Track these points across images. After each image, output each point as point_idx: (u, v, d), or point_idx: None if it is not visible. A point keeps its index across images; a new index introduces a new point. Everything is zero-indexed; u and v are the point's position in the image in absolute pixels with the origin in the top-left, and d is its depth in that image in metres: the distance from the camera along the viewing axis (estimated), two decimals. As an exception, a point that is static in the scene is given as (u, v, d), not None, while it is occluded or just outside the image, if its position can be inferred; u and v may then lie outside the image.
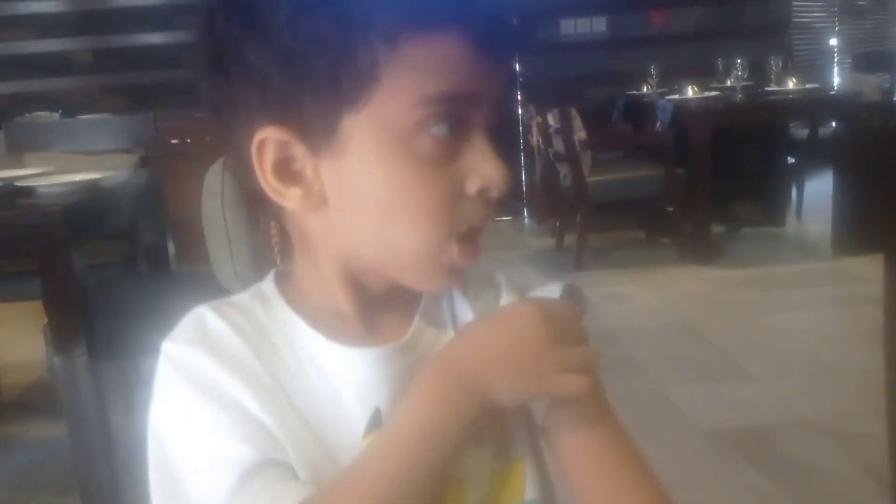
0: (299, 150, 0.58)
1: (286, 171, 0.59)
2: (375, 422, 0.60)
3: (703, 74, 4.70)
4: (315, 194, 0.59)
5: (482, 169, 0.58)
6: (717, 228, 4.47)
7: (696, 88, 4.43)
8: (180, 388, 0.59)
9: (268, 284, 0.66)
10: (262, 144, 0.58)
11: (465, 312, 0.68)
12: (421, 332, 0.65)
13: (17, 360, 3.11)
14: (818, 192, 4.71)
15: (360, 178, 0.58)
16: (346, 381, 0.61)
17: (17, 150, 3.06)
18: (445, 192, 0.58)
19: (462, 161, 0.58)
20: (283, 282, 0.66)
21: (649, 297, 3.73)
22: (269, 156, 0.58)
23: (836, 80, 6.51)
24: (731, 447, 2.31)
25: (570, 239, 4.42)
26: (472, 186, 0.58)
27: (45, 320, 2.19)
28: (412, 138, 0.56)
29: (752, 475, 2.15)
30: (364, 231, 0.60)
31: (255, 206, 0.65)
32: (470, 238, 0.60)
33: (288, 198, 0.59)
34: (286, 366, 0.61)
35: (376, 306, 0.65)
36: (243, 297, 0.65)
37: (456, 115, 0.57)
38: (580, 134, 4.10)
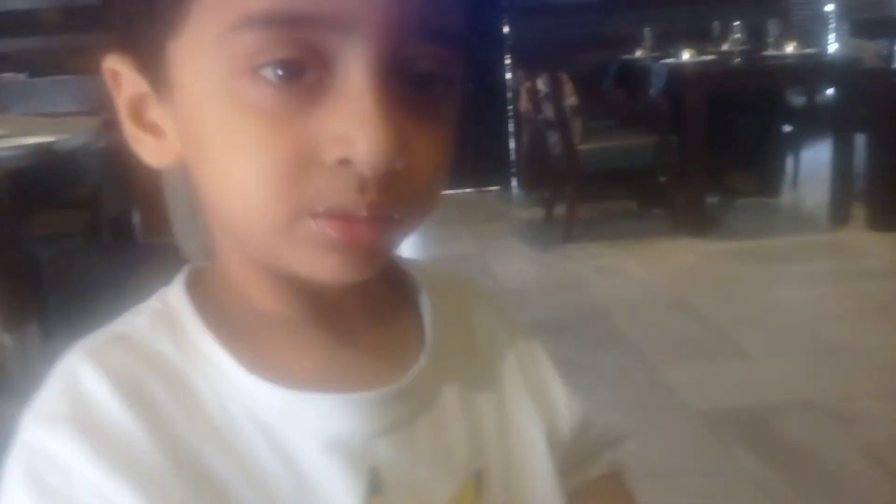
0: (143, 86, 0.46)
1: (141, 113, 0.47)
2: (375, 487, 0.45)
3: (699, 38, 4.60)
4: (166, 143, 0.46)
5: (345, 131, 0.39)
6: (712, 199, 4.39)
7: (691, 52, 4.34)
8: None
9: (175, 294, 0.48)
10: (113, 77, 0.46)
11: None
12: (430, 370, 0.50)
13: (-23, 335, 2.97)
14: (815, 161, 4.65)
15: (190, 126, 0.43)
16: (311, 444, 0.44)
17: (-26, 112, 2.91)
18: (283, 157, 0.39)
19: (318, 116, 0.40)
20: (200, 285, 0.49)
21: (641, 271, 3.63)
22: (124, 92, 0.47)
23: (834, 47, 6.43)
24: (726, 429, 2.23)
25: (559, 210, 4.33)
26: (329, 154, 0.39)
27: (-4, 295, 2.06)
28: (238, 78, 0.40)
29: (749, 459, 2.08)
30: (211, 196, 0.44)
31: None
32: (344, 216, 0.41)
33: (140, 146, 0.47)
34: (217, 436, 0.43)
35: (331, 312, 0.48)
36: (139, 324, 0.47)
37: (299, 48, 0.39)
38: (571, 100, 4.00)
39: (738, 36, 4.36)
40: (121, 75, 0.46)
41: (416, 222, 0.44)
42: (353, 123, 0.39)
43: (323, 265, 0.42)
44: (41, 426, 0.42)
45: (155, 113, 0.46)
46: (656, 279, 3.53)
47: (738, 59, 4.29)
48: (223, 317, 0.47)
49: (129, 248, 2.75)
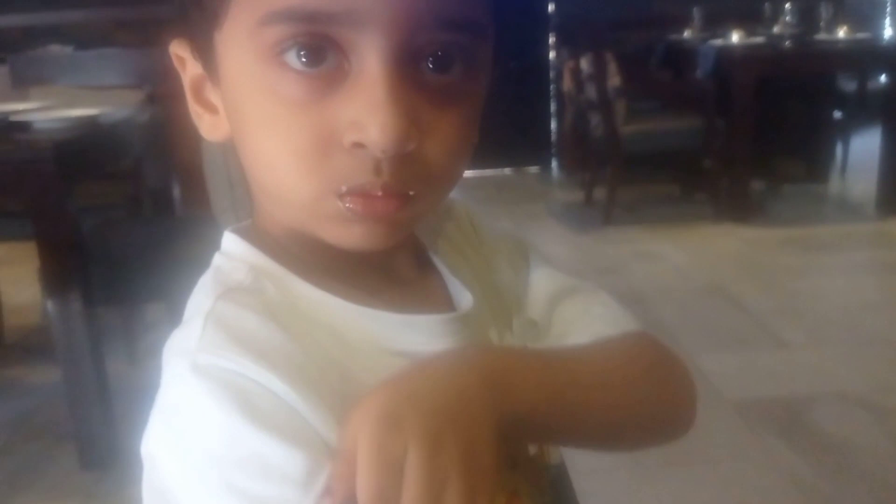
0: (200, 69, 0.51)
1: (200, 92, 0.52)
2: None
3: (749, 19, 4.48)
4: (219, 120, 0.51)
5: (358, 118, 0.43)
6: (757, 185, 4.31)
7: (740, 34, 4.23)
8: (231, 415, 0.42)
9: (252, 253, 0.51)
10: (179, 59, 0.52)
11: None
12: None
13: (22, 301, 3.06)
14: (864, 149, 4.54)
15: (233, 109, 0.48)
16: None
17: (23, 84, 2.97)
18: (308, 141, 0.44)
19: (339, 102, 0.43)
20: (256, 243, 0.52)
21: (681, 257, 3.58)
22: (187, 73, 0.52)
23: (889, 32, 6.24)
24: (760, 418, 2.21)
25: (599, 192, 4.28)
26: (346, 138, 0.43)
27: (42, 262, 2.10)
28: (267, 67, 0.44)
29: (782, 448, 2.05)
30: (252, 171, 0.49)
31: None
32: (363, 194, 0.45)
33: (200, 122, 0.52)
34: (350, 358, 0.47)
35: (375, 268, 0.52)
36: (241, 279, 0.49)
37: (319, 40, 0.43)
38: (615, 80, 3.94)
39: (789, 18, 4.26)
40: (184, 58, 0.51)
41: (435, 197, 0.48)
42: (366, 110, 0.42)
43: (349, 236, 0.47)
44: (216, 356, 0.44)
45: (210, 93, 0.51)
46: (696, 265, 3.48)
47: (788, 43, 4.18)
48: (301, 271, 0.50)
49: (169, 219, 2.80)
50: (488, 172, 4.99)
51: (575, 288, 0.62)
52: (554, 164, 5.38)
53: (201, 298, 0.49)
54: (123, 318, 2.66)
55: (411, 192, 0.45)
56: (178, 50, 0.51)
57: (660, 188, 4.63)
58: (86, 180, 2.37)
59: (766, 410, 2.24)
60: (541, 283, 0.62)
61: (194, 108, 0.52)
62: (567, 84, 4.47)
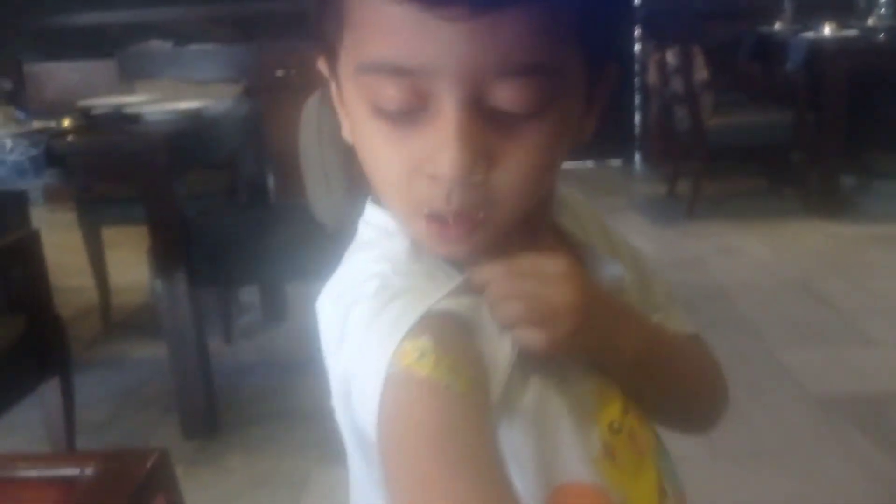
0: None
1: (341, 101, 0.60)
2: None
3: (842, 11, 4.37)
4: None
5: (433, 153, 0.50)
6: (847, 180, 4.21)
7: (833, 26, 4.11)
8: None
9: (391, 222, 0.59)
10: (325, 71, 0.60)
11: None
12: None
13: (130, 282, 3.25)
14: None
15: (351, 130, 0.57)
16: None
17: (129, 79, 3.15)
18: (398, 168, 0.52)
19: (420, 140, 0.51)
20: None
21: (766, 252, 3.53)
22: (334, 83, 0.59)
23: None
24: (843, 415, 2.19)
25: (683, 186, 4.24)
26: (425, 170, 0.51)
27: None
28: (366, 106, 0.52)
29: (864, 445, 2.04)
30: (367, 173, 0.57)
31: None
32: (439, 219, 0.53)
33: (344, 125, 0.59)
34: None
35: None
36: (398, 252, 0.57)
37: (404, 90, 0.50)
38: (701, 73, 3.90)
39: (883, 11, 4.12)
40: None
41: (507, 217, 0.54)
42: (438, 147, 0.50)
43: (437, 249, 0.55)
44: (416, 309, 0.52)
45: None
46: (781, 261, 3.43)
47: (882, 35, 4.05)
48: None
49: (264, 207, 2.94)
50: (570, 165, 5.00)
51: (672, 306, 0.71)
52: (637, 157, 5.34)
53: (368, 265, 0.57)
54: (220, 300, 2.81)
55: (480, 215, 0.52)
56: (320, 65, 0.59)
57: (746, 182, 4.56)
58: (190, 170, 2.52)
59: (849, 406, 2.22)
60: (660, 290, 0.71)
61: (340, 113, 0.59)
62: (652, 77, 4.43)
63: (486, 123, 0.50)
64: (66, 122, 2.24)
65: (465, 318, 0.53)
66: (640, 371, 0.60)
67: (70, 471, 0.71)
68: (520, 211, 0.54)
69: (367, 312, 0.53)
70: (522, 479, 0.51)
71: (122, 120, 2.33)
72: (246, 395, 2.49)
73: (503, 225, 0.54)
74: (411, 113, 0.50)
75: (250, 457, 2.16)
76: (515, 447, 0.53)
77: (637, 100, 5.12)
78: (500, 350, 0.53)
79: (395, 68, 0.49)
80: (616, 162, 5.30)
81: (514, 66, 0.49)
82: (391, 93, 0.50)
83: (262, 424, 2.31)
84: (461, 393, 0.48)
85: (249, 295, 3.04)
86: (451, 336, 0.51)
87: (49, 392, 1.95)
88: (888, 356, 2.51)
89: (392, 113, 0.51)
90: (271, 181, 2.96)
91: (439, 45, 0.47)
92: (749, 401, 2.18)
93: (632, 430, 0.59)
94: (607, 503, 0.54)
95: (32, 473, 0.73)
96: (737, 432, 2.09)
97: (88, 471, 0.70)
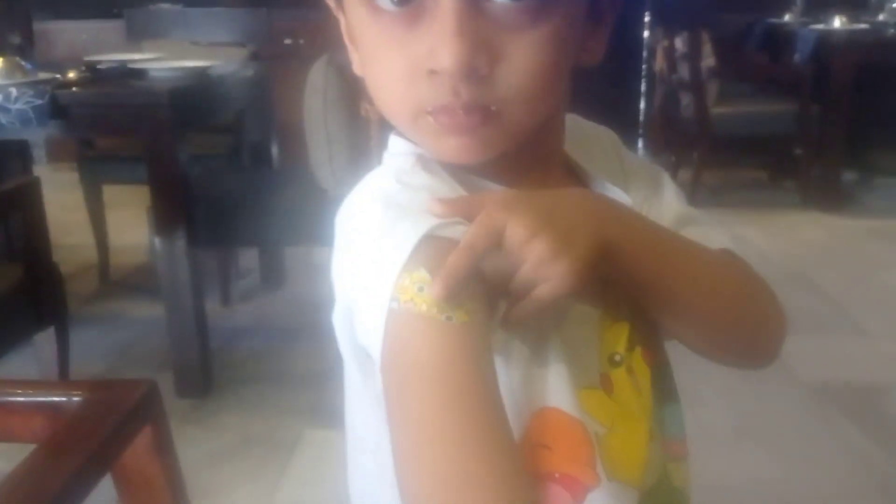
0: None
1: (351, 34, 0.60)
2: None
3: (854, 5, 4.36)
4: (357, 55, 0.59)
5: (433, 47, 0.50)
6: (848, 175, 4.20)
7: (843, 19, 4.11)
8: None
9: (414, 148, 0.58)
10: (334, 8, 0.60)
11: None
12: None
13: (129, 242, 3.25)
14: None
15: (356, 48, 0.57)
16: None
17: (136, 38, 3.13)
18: (400, 69, 0.52)
19: (419, 36, 0.51)
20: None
21: (764, 242, 3.54)
22: (341, 19, 0.59)
23: None
24: (834, 403, 2.21)
25: (684, 174, 4.23)
26: (426, 66, 0.51)
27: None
28: (366, 10, 0.53)
29: (854, 434, 2.06)
30: (374, 98, 0.57)
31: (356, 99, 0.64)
32: (447, 110, 0.52)
33: (353, 59, 0.59)
34: None
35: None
36: (409, 168, 0.57)
37: None
38: (709, 61, 3.88)
39: (895, 5, 4.10)
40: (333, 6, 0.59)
41: (524, 114, 0.53)
42: (438, 41, 0.49)
43: (445, 148, 0.54)
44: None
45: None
46: (778, 251, 3.43)
47: (892, 30, 4.05)
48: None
49: (266, 170, 2.93)
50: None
51: (698, 220, 0.68)
52: (639, 143, 5.33)
53: (377, 181, 0.57)
54: (219, 263, 2.81)
55: (493, 108, 0.51)
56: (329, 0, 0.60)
57: (747, 173, 4.55)
58: (194, 129, 2.51)
59: (839, 394, 2.23)
60: (672, 204, 0.68)
61: (349, 48, 0.60)
62: (659, 63, 4.42)
63: (485, 18, 0.50)
64: (72, 74, 2.23)
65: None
66: (664, 288, 0.58)
67: (57, 397, 0.71)
68: (529, 115, 0.53)
69: (368, 239, 0.52)
70: (510, 398, 0.51)
71: (127, 75, 2.32)
72: (241, 356, 2.51)
73: (514, 127, 0.53)
74: (411, 9, 0.50)
75: (243, 417, 2.18)
76: (508, 369, 0.53)
77: (643, 87, 5.10)
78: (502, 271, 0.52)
79: None
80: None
81: None
82: None
83: (255, 386, 2.32)
84: (462, 323, 0.48)
85: (249, 260, 3.04)
86: None
87: (44, 343, 1.95)
88: (881, 347, 2.52)
89: (392, 11, 0.51)
90: (274, 145, 2.95)
91: None
92: (740, 384, 2.19)
93: (632, 366, 0.59)
94: (581, 432, 0.54)
95: (19, 398, 0.73)
96: (726, 414, 2.11)
97: (76, 398, 0.70)
